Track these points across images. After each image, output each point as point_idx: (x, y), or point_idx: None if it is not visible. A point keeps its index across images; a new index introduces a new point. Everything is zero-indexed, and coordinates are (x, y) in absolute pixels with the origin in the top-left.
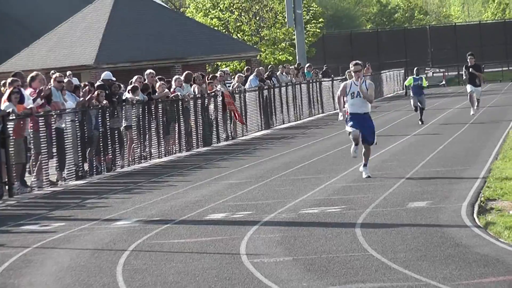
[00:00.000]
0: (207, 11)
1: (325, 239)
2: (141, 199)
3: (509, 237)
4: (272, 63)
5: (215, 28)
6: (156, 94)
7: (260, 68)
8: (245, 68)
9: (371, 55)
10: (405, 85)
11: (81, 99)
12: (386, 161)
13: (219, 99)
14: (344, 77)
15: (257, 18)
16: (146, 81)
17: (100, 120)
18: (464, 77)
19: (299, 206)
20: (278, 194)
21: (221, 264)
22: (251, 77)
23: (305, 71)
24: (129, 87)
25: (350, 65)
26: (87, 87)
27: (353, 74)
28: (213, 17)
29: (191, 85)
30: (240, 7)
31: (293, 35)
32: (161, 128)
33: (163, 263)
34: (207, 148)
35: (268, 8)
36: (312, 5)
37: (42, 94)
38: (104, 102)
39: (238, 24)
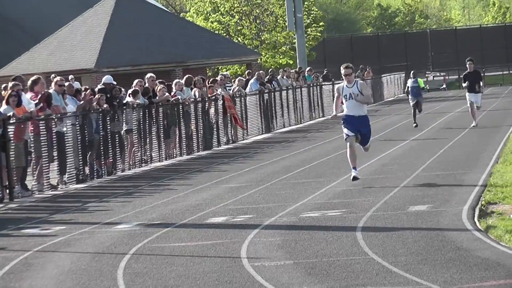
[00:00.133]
0: (208, 15)
1: (325, 242)
2: (141, 202)
3: (510, 240)
4: (272, 66)
5: (215, 32)
6: (157, 98)
7: (261, 71)
8: (245, 72)
9: (371, 58)
10: (407, 86)
11: (82, 102)
12: (387, 165)
13: (220, 103)
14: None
15: (258, 22)
16: (146, 85)
17: (101, 124)
18: (464, 86)
19: (299, 209)
20: (278, 198)
21: (222, 267)
22: (251, 80)
23: (306, 74)
24: (129, 91)
25: (341, 68)
26: (88, 91)
27: (343, 77)
28: (214, 21)
29: (191, 89)
30: (241, 11)
31: (293, 39)
32: (162, 131)
33: (164, 267)
34: (207, 152)
35: (268, 12)
36: (312, 9)
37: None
38: (105, 106)
39: (238, 28)
